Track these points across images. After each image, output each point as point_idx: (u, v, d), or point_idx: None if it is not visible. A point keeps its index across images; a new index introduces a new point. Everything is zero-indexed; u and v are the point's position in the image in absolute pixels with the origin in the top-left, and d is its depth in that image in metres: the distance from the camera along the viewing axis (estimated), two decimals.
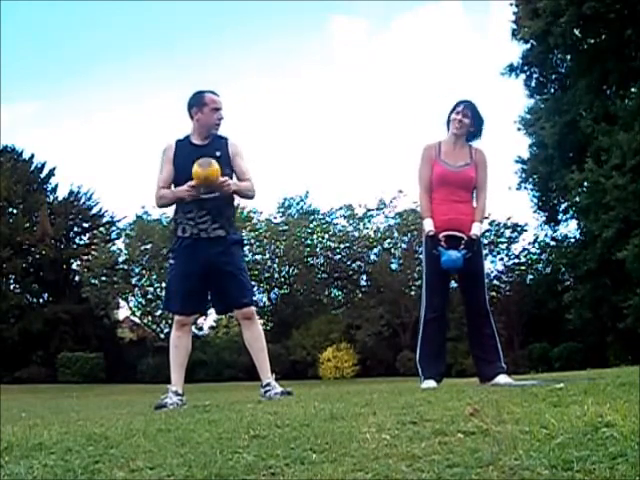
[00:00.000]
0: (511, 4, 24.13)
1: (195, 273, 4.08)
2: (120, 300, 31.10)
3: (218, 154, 4.16)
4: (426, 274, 4.47)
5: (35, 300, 32.76)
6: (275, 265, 30.37)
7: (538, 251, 29.11)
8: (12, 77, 47.82)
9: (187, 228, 4.13)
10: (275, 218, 30.31)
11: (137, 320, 32.46)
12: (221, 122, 4.26)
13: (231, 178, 4.20)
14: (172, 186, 4.22)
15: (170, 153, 4.22)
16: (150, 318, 30.85)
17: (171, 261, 4.28)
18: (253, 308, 4.29)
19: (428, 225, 4.40)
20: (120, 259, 30.46)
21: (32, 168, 33.15)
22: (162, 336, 29.43)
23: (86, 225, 33.91)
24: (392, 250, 29.36)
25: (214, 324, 31.72)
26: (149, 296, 30.42)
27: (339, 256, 29.93)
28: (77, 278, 32.08)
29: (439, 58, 47.07)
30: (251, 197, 4.36)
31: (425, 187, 4.48)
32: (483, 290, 4.50)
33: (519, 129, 27.19)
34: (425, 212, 4.49)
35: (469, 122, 4.46)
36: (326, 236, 29.72)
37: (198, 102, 4.22)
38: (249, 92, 41.49)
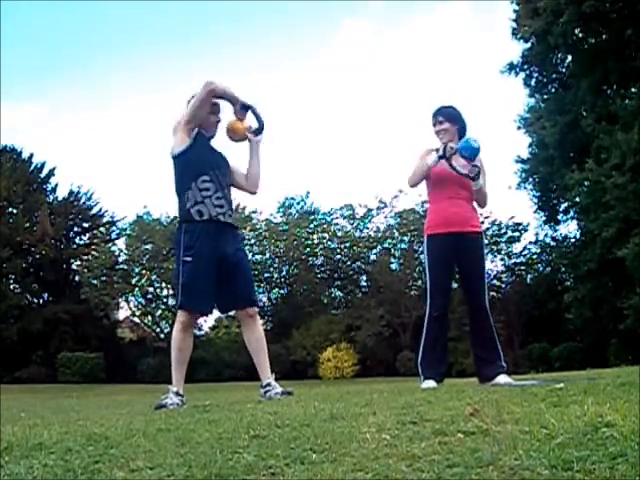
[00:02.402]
0: (512, 2, 24.17)
1: (212, 271, 4.01)
2: (120, 300, 31.13)
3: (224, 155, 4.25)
4: (429, 273, 4.47)
5: (35, 300, 32.77)
6: (275, 265, 30.37)
7: (538, 251, 29.12)
8: (12, 77, 47.83)
9: (203, 210, 3.99)
10: (275, 218, 30.34)
11: (137, 320, 32.48)
12: (218, 125, 4.21)
13: (229, 189, 4.23)
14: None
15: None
16: (150, 318, 30.87)
17: (188, 258, 3.98)
18: (255, 307, 4.29)
19: (431, 157, 4.39)
20: (120, 259, 30.48)
21: (32, 168, 33.17)
22: (162, 336, 29.44)
23: (86, 225, 33.91)
24: (392, 250, 29.37)
25: (214, 324, 31.74)
26: (149, 296, 30.43)
27: (339, 256, 29.93)
28: (77, 278, 32.08)
29: (444, 58, 47.11)
30: (254, 190, 4.36)
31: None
32: (483, 290, 4.49)
33: (519, 128, 27.24)
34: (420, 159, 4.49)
35: (448, 126, 4.46)
36: (326, 236, 29.72)
37: None
38: (250, 92, 41.37)
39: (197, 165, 4.06)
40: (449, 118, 4.49)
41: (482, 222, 4.56)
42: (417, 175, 4.49)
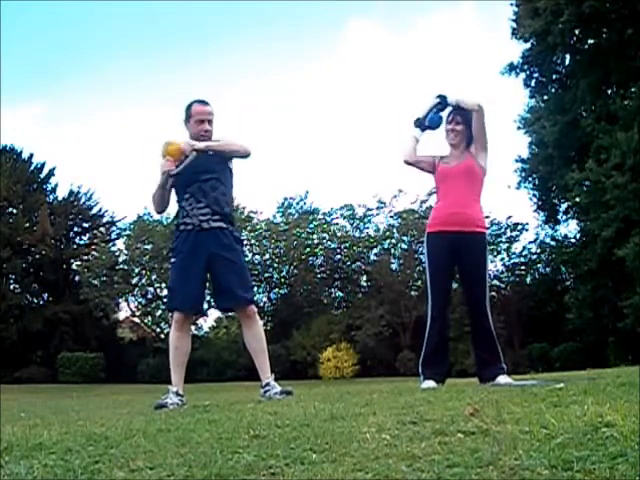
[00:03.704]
0: (512, 3, 24.18)
1: (197, 269, 4.06)
2: (120, 300, 31.14)
3: (210, 153, 4.17)
4: (428, 272, 4.45)
5: (35, 300, 32.78)
6: (275, 265, 30.37)
7: (538, 251, 29.11)
8: (13, 77, 47.84)
9: (188, 222, 4.12)
10: (275, 218, 30.33)
11: (137, 320, 32.49)
12: (208, 134, 4.20)
13: (229, 173, 4.24)
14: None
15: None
16: (150, 318, 30.87)
17: (172, 259, 4.24)
18: (254, 307, 4.28)
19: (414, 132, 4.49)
20: (120, 259, 30.49)
21: (32, 168, 33.17)
22: (162, 336, 29.45)
23: (86, 225, 33.94)
24: (392, 250, 29.36)
25: (214, 324, 31.76)
26: (149, 296, 30.44)
27: (339, 256, 29.92)
28: (77, 278, 32.09)
29: (445, 58, 47.02)
30: (244, 154, 4.26)
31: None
32: (484, 293, 4.43)
33: (519, 128, 27.26)
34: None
35: (462, 128, 4.41)
36: (326, 236, 29.71)
37: (186, 113, 4.23)
38: (251, 92, 41.61)
39: (184, 184, 4.17)
40: (466, 121, 4.43)
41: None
42: (404, 147, 4.53)
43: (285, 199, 30.53)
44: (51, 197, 33.62)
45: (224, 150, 4.19)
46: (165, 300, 4.62)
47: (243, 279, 4.18)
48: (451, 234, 4.30)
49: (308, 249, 29.44)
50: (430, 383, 4.18)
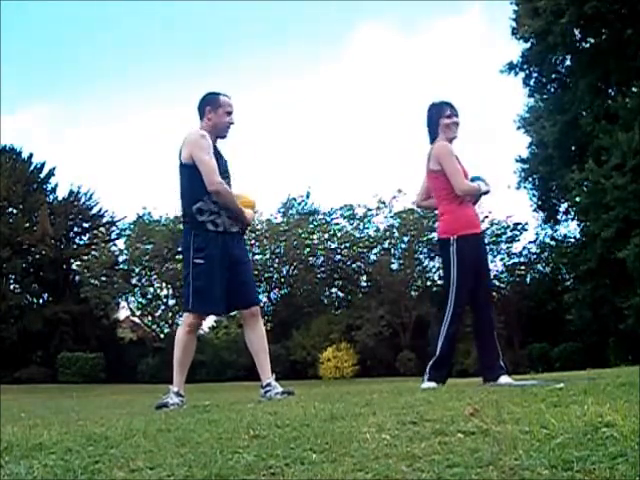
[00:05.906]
0: (512, 2, 24.17)
1: (224, 274, 4.07)
2: (120, 300, 31.13)
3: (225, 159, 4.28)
4: (458, 275, 4.31)
5: (35, 300, 32.75)
6: (275, 265, 30.35)
7: (538, 251, 29.10)
8: (14, 78, 47.83)
9: (218, 222, 4.07)
10: (276, 218, 30.32)
11: (137, 320, 32.48)
12: (231, 127, 4.25)
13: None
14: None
15: (210, 144, 4.11)
16: (150, 318, 30.86)
17: (199, 261, 4.02)
18: (258, 307, 4.36)
19: (482, 185, 4.42)
20: (120, 259, 30.48)
21: (32, 168, 33.15)
22: (162, 336, 29.42)
23: (86, 225, 33.90)
24: (392, 250, 29.34)
25: (214, 324, 31.73)
26: (149, 296, 30.42)
27: (339, 256, 29.90)
28: (77, 278, 32.08)
29: (445, 58, 47.03)
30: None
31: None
32: (491, 291, 4.51)
33: (519, 128, 27.27)
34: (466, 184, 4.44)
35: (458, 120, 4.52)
36: (326, 236, 29.69)
37: (213, 102, 4.20)
38: (252, 90, 41.53)
39: None
40: (458, 114, 4.55)
41: (482, 221, 4.65)
42: (471, 194, 4.46)
43: (287, 199, 30.54)
44: (51, 197, 33.58)
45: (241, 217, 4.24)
46: (188, 299, 4.39)
47: (254, 281, 4.50)
48: (479, 235, 4.50)
49: (308, 249, 29.41)
50: (431, 384, 4.18)
